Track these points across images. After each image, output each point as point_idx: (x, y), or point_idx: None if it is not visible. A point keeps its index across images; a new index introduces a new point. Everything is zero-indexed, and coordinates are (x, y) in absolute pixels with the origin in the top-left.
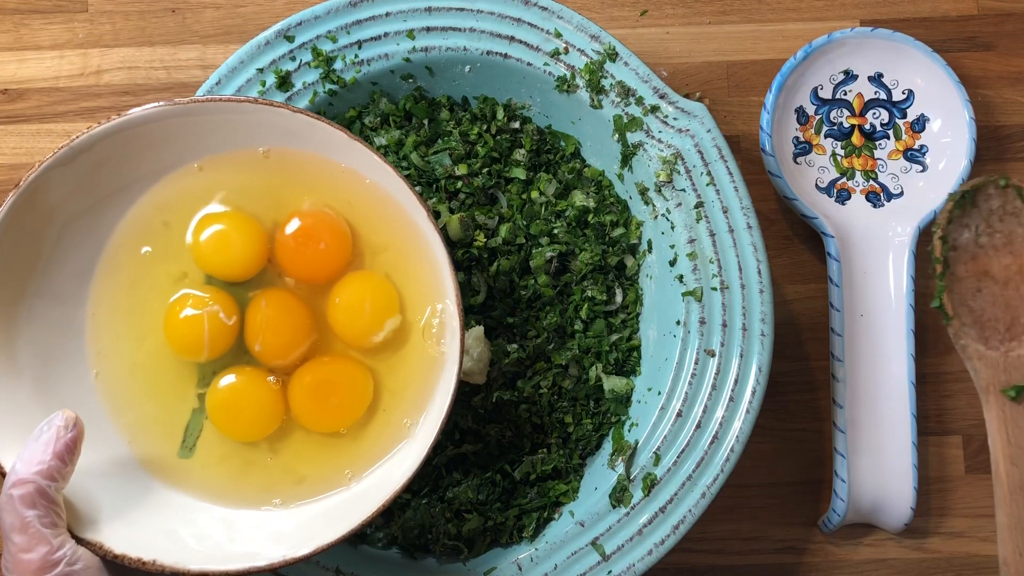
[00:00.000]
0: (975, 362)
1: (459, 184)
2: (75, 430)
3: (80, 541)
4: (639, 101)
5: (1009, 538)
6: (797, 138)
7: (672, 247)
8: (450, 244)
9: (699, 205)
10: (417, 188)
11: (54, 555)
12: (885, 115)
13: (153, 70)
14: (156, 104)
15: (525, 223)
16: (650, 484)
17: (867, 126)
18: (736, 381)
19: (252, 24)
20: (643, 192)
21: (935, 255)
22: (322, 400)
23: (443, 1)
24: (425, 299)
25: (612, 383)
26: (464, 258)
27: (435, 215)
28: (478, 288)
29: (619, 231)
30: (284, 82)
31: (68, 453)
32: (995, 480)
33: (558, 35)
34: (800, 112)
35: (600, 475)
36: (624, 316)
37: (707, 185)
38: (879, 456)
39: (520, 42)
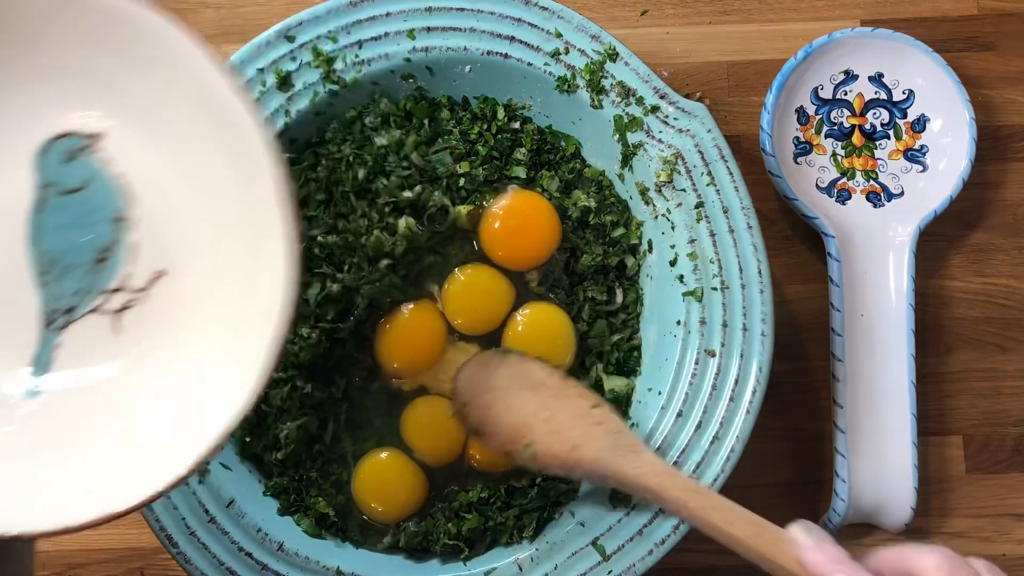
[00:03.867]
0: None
1: (462, 181)
2: None
3: None
4: (639, 101)
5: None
6: (797, 138)
7: (672, 247)
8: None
9: (699, 205)
10: (418, 187)
11: None
12: (885, 115)
13: None
14: None
15: None
16: None
17: (867, 126)
18: (736, 381)
19: (252, 24)
20: (643, 192)
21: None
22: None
23: (443, 1)
24: None
25: (612, 383)
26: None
27: (444, 210)
28: None
29: (619, 231)
30: (284, 82)
31: None
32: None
33: (558, 35)
34: (800, 112)
35: None
36: (625, 316)
37: (707, 185)
38: (880, 456)
39: (520, 42)
